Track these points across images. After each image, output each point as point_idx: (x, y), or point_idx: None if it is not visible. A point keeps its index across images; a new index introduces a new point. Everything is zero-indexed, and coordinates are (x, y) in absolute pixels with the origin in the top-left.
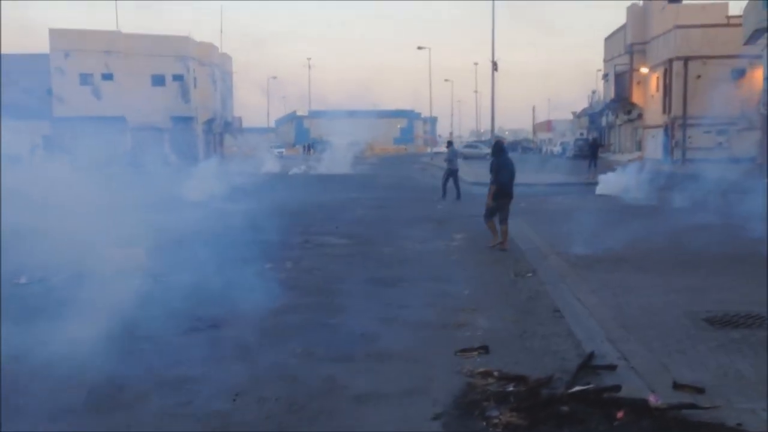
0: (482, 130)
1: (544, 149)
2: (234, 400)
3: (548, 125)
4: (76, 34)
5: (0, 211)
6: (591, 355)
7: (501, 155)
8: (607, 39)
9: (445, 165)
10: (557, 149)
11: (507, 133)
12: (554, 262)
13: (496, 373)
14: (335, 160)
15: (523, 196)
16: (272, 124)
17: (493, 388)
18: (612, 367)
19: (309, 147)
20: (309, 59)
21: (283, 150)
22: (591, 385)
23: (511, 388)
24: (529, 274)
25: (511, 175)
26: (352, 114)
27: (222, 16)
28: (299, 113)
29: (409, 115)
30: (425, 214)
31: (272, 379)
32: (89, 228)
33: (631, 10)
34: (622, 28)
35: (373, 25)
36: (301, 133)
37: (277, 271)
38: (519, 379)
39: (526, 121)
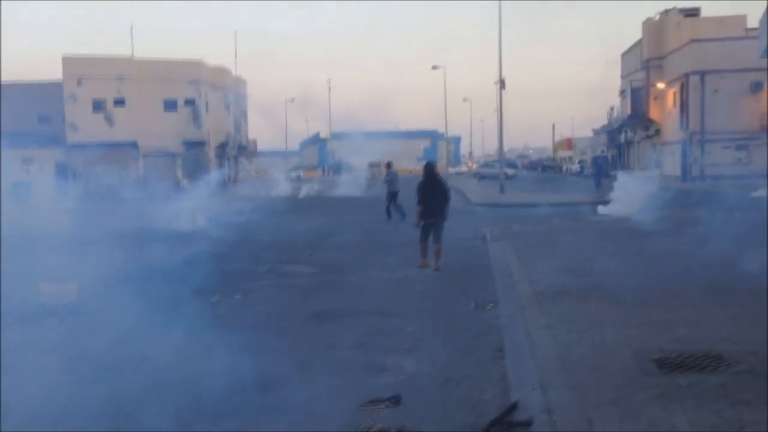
0: (506, 150)
1: (565, 167)
2: None
3: (568, 143)
4: (89, 60)
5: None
6: (511, 408)
7: (430, 176)
8: (624, 54)
9: (385, 187)
10: (576, 167)
11: (531, 151)
12: (522, 291)
13: None
14: (350, 183)
15: (519, 217)
16: (296, 147)
17: None
18: (527, 424)
19: (329, 169)
20: (329, 80)
21: (301, 172)
22: None
23: None
24: (490, 306)
25: (441, 195)
26: (374, 135)
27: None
28: (322, 135)
29: (433, 135)
30: (413, 239)
31: None
32: (37, 260)
33: (647, 25)
34: (639, 43)
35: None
36: (324, 155)
37: (220, 305)
38: None
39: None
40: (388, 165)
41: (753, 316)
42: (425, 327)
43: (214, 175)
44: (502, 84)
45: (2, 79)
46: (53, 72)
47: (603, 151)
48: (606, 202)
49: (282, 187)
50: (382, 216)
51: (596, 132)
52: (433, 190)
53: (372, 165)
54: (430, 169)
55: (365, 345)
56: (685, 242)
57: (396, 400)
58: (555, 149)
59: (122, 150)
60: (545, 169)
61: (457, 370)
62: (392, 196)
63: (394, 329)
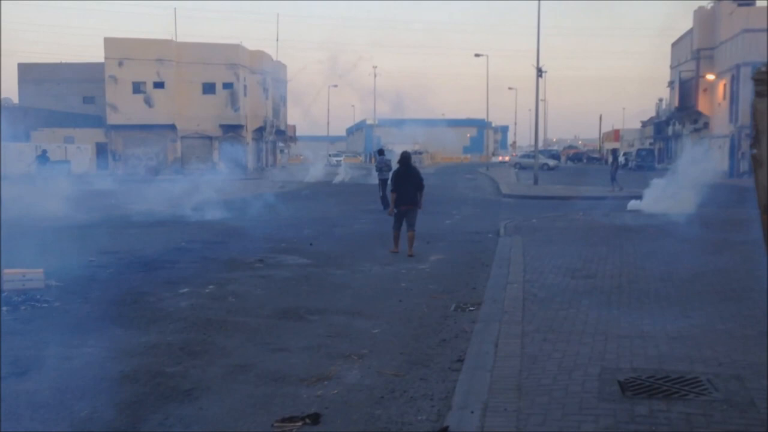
0: (554, 140)
1: (611, 159)
2: None
3: (616, 134)
4: (130, 42)
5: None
6: None
7: (405, 166)
8: (674, 44)
9: (376, 175)
10: (621, 160)
11: (581, 142)
12: (512, 292)
13: None
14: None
15: (544, 210)
16: (343, 133)
17: None
18: None
19: (371, 155)
20: (375, 67)
21: (342, 158)
22: None
23: None
24: (472, 308)
25: (414, 184)
26: (421, 123)
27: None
28: (369, 122)
29: (480, 124)
30: (423, 232)
31: None
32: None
33: (699, 14)
34: (690, 32)
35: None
36: (369, 141)
37: (186, 297)
38: None
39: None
40: (380, 152)
41: (753, 332)
42: (392, 329)
43: (249, 159)
44: (539, 72)
45: (48, 60)
46: (99, 55)
47: (650, 144)
48: (637, 197)
49: (317, 173)
50: None
51: (644, 124)
52: (407, 180)
53: (414, 153)
54: (405, 159)
55: (318, 348)
56: (707, 244)
57: (314, 419)
58: (602, 141)
59: (160, 132)
60: (590, 160)
61: (402, 383)
62: (384, 183)
63: (358, 331)
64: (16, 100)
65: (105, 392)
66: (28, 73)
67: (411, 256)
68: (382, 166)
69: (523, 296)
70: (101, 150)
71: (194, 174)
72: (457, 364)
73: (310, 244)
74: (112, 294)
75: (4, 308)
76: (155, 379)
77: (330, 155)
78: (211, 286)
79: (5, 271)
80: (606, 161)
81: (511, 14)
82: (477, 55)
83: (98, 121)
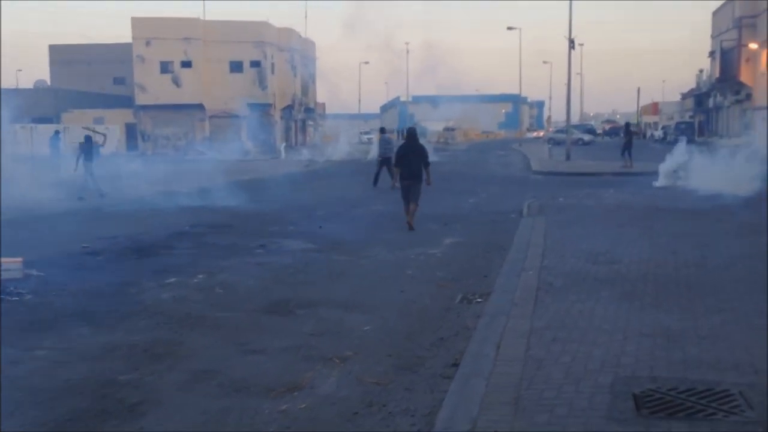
0: (591, 114)
1: (649, 134)
2: None
3: (654, 108)
4: (157, 22)
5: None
6: None
7: (411, 141)
8: (715, 13)
9: (376, 153)
10: (659, 133)
11: (619, 116)
12: (526, 281)
13: None
14: None
15: (573, 187)
16: (376, 110)
17: None
18: None
19: (402, 132)
20: (407, 43)
21: (372, 136)
22: None
23: None
24: (479, 299)
25: (419, 160)
26: (455, 99)
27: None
28: (402, 99)
29: (515, 100)
30: (442, 212)
31: None
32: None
33: None
34: (731, 0)
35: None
36: (403, 118)
37: (171, 288)
38: None
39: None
40: (381, 130)
41: None
42: (386, 326)
43: (278, 138)
44: (572, 43)
45: (77, 41)
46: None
47: (690, 117)
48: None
49: (347, 151)
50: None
51: (684, 96)
52: (411, 155)
53: (447, 129)
54: (411, 135)
55: (298, 350)
56: (747, 225)
57: None
58: (639, 114)
59: (188, 112)
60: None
61: (383, 393)
62: (384, 162)
63: (348, 328)
64: (49, 81)
65: (39, 407)
66: (59, 54)
67: (411, 229)
68: (384, 145)
69: (537, 285)
70: (131, 130)
71: (221, 153)
72: (451, 369)
73: (320, 227)
74: (92, 285)
75: None
76: (102, 390)
77: (361, 133)
78: (200, 276)
79: None
80: (643, 135)
81: None
82: (509, 29)
83: (128, 102)
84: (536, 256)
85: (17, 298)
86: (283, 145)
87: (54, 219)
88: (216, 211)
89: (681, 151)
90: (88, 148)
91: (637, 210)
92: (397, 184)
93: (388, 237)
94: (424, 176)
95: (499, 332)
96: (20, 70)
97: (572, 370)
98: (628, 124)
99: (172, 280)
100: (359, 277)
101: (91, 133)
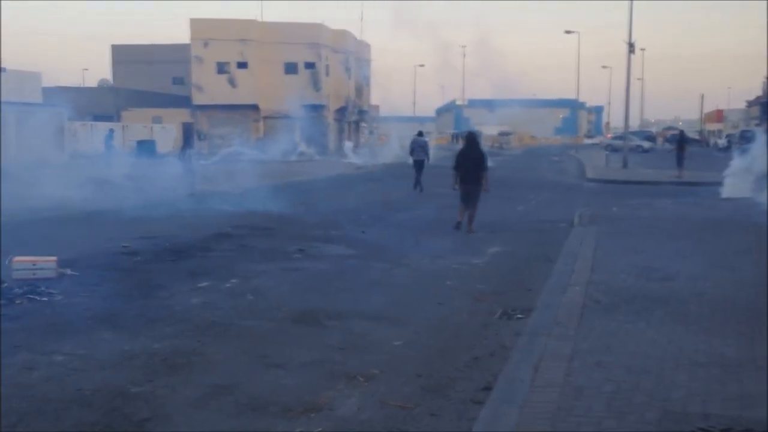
0: (652, 121)
1: (713, 142)
2: None
3: (718, 115)
4: (215, 23)
5: None
6: None
7: (470, 146)
8: None
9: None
10: (722, 142)
11: (681, 123)
12: (571, 297)
13: None
14: None
15: (629, 197)
16: (432, 113)
17: None
18: None
19: (457, 136)
20: (463, 46)
21: (426, 139)
22: None
23: None
24: (520, 316)
25: (475, 164)
26: (511, 103)
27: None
28: (458, 102)
29: (572, 105)
30: (490, 219)
31: None
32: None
33: None
34: None
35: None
36: (459, 122)
37: (202, 292)
38: None
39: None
40: (419, 134)
41: None
42: (418, 341)
43: (331, 140)
44: (631, 47)
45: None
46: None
47: (756, 125)
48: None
49: (399, 154)
50: None
51: (750, 103)
52: (469, 159)
53: (502, 134)
54: (471, 139)
55: (322, 364)
56: None
57: None
58: (703, 122)
59: (243, 112)
60: (689, 142)
61: (407, 419)
62: (417, 165)
63: (377, 342)
64: (111, 80)
65: (45, 418)
66: (121, 54)
67: (470, 232)
68: (416, 148)
69: (583, 302)
70: (187, 130)
71: (274, 153)
72: (483, 393)
73: (363, 232)
74: (124, 287)
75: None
76: (112, 402)
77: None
78: (234, 280)
79: (15, 259)
80: (707, 143)
81: None
82: (567, 32)
83: (185, 102)
84: (584, 269)
85: (46, 299)
86: (351, 145)
87: (99, 216)
88: (260, 213)
89: (747, 160)
90: (187, 146)
91: (695, 222)
92: (456, 187)
93: (431, 244)
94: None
95: (538, 354)
96: (86, 69)
97: (616, 401)
98: (681, 133)
99: (205, 284)
100: (396, 287)
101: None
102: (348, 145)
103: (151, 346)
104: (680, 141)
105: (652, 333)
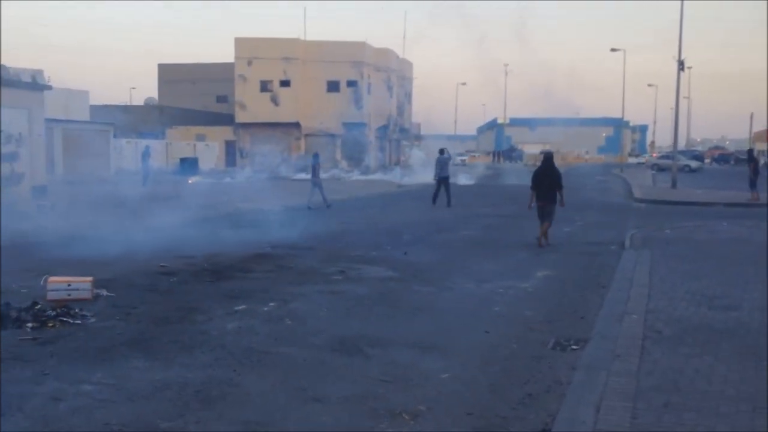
0: (698, 140)
1: (762, 161)
2: None
3: None
4: (259, 42)
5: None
6: None
7: (547, 166)
8: None
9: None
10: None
11: (728, 142)
12: (629, 327)
13: None
14: (512, 170)
15: (681, 218)
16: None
17: None
18: None
19: (498, 155)
20: (506, 65)
21: (466, 158)
22: None
23: None
24: (575, 347)
25: (551, 181)
26: (553, 121)
27: (405, 21)
28: (500, 121)
29: (617, 123)
30: (535, 241)
31: None
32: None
33: None
34: None
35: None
36: (500, 140)
37: (239, 316)
38: None
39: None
40: (441, 151)
41: None
42: (466, 374)
43: (372, 158)
44: (681, 65)
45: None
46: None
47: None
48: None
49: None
50: (511, 209)
51: None
52: (546, 178)
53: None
54: (547, 159)
55: (363, 399)
56: None
57: None
58: (752, 141)
59: (286, 130)
60: (738, 162)
61: None
62: (441, 181)
63: (423, 374)
64: (157, 99)
65: None
66: (167, 73)
67: (542, 246)
68: (443, 164)
69: (643, 333)
70: (230, 147)
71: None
72: None
73: (405, 253)
74: (159, 309)
75: (29, 325)
76: None
77: (457, 155)
78: (272, 303)
79: (51, 279)
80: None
81: (651, 7)
82: (613, 50)
83: (229, 120)
84: (641, 296)
85: (80, 322)
86: (398, 165)
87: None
88: (300, 232)
89: None
90: (315, 164)
91: (756, 246)
92: (533, 204)
93: (476, 266)
94: (558, 198)
95: (599, 392)
96: (134, 88)
97: None
98: (751, 151)
99: (242, 307)
100: (440, 313)
101: (318, 153)
102: (394, 165)
103: (184, 376)
104: (750, 160)
105: (722, 370)
